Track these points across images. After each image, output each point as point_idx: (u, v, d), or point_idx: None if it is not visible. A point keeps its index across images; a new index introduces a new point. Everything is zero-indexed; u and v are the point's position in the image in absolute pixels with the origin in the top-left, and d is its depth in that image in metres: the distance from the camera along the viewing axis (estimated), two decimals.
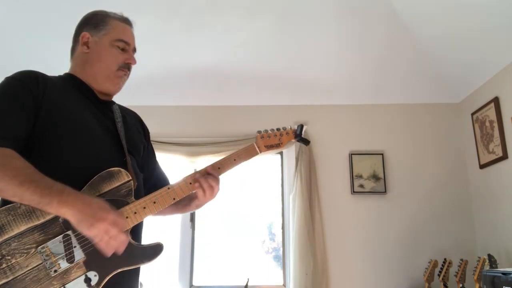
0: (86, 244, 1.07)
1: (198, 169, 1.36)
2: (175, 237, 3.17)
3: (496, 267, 2.35)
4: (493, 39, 2.48)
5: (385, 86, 3.22)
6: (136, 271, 1.22)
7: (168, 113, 3.34)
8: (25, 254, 1.01)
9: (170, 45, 2.85)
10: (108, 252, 1.05)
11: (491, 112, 2.80)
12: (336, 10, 2.61)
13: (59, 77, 1.28)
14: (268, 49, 2.92)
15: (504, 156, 2.65)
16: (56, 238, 1.04)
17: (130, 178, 1.16)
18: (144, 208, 1.16)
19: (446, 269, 2.65)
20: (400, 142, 3.26)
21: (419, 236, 3.06)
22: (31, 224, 1.03)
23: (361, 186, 3.16)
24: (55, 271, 1.03)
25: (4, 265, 0.99)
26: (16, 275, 1.00)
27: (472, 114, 3.06)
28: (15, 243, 1.01)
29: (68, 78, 1.28)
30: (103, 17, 1.32)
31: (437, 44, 2.78)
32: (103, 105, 1.31)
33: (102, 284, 1.07)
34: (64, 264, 1.04)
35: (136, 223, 1.15)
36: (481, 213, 3.00)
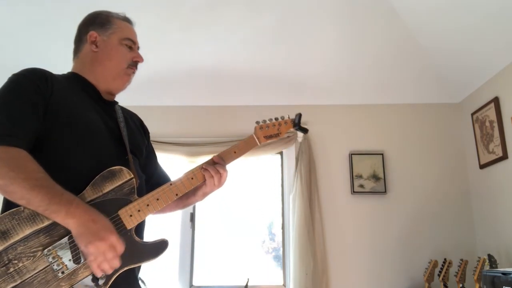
0: None
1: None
2: (175, 237, 3.17)
3: (496, 267, 2.35)
4: (493, 39, 2.48)
5: (385, 86, 3.22)
6: (138, 268, 1.25)
7: (168, 113, 3.34)
8: (32, 257, 1.02)
9: (170, 45, 2.85)
10: (97, 272, 1.05)
11: (491, 112, 2.80)
12: (336, 10, 2.62)
13: (63, 76, 1.28)
14: (268, 49, 2.92)
15: (504, 156, 2.65)
16: (62, 240, 1.05)
17: (132, 176, 1.16)
18: (148, 205, 1.17)
19: (446, 269, 2.65)
20: (400, 142, 3.26)
21: (419, 236, 3.06)
22: (36, 228, 1.03)
23: (361, 186, 3.16)
24: (63, 272, 1.04)
25: (11, 269, 1.00)
26: (24, 278, 1.00)
27: (472, 114, 3.06)
28: (21, 247, 1.01)
29: (73, 77, 1.28)
30: (108, 17, 1.34)
31: (437, 44, 2.78)
32: (107, 105, 1.32)
33: (110, 283, 1.08)
34: (71, 265, 1.05)
35: (140, 220, 1.16)
36: (481, 213, 3.00)
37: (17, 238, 1.01)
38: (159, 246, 1.17)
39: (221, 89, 3.25)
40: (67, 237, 1.05)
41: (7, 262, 1.00)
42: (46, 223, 1.03)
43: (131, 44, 1.34)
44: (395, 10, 2.59)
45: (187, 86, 3.21)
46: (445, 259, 2.72)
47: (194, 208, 3.28)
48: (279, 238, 3.28)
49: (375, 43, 2.85)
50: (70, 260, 1.05)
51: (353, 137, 3.28)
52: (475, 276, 2.40)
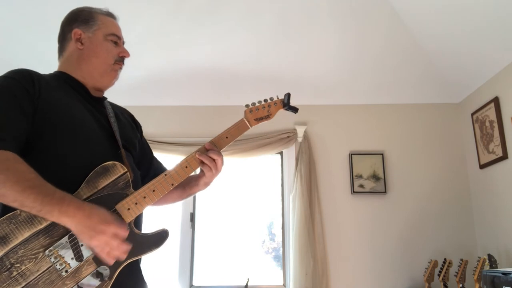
0: None
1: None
2: (175, 237, 3.17)
3: (496, 267, 2.35)
4: (493, 39, 2.48)
5: (385, 86, 3.22)
6: (139, 260, 1.25)
7: (168, 113, 3.34)
8: (34, 259, 1.02)
9: (170, 45, 2.85)
10: (110, 261, 1.06)
11: (491, 112, 2.80)
12: (336, 10, 2.62)
13: (50, 75, 1.27)
14: (268, 49, 2.92)
15: (504, 156, 2.65)
16: (62, 239, 1.05)
17: (126, 170, 1.16)
18: (144, 197, 1.17)
19: (446, 269, 2.65)
20: (400, 142, 3.26)
21: (419, 236, 3.06)
22: (34, 229, 1.03)
23: (361, 186, 3.16)
24: (66, 271, 1.05)
25: (15, 273, 1.00)
26: (29, 280, 1.01)
27: (472, 114, 3.07)
28: (22, 250, 1.01)
29: (60, 76, 1.27)
30: (91, 13, 1.31)
31: (437, 44, 2.78)
32: (96, 101, 1.30)
33: (114, 276, 1.09)
34: (73, 263, 1.06)
35: (138, 213, 1.17)
36: (481, 213, 3.00)
37: (16, 241, 1.01)
38: (160, 236, 1.18)
39: (221, 89, 3.25)
40: (67, 236, 1.05)
41: (9, 266, 1.00)
42: (45, 224, 1.04)
43: (116, 40, 1.31)
44: (396, 10, 2.59)
45: (187, 86, 3.21)
46: (445, 259, 2.72)
47: (194, 208, 3.28)
48: (279, 238, 3.28)
49: (375, 43, 2.85)
50: (72, 258, 1.05)
51: (353, 137, 3.28)
52: (475, 276, 2.40)
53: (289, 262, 3.04)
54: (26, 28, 2.66)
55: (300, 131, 3.24)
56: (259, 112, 1.38)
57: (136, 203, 1.16)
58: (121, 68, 1.33)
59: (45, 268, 1.03)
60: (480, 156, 2.96)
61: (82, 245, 1.07)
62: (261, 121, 1.38)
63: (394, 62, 2.98)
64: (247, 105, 1.39)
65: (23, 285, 1.00)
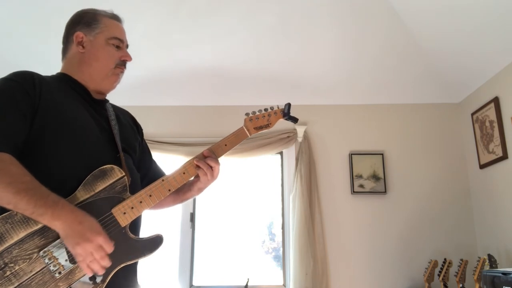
0: None
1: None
2: (175, 237, 3.17)
3: (496, 267, 2.35)
4: (493, 39, 2.48)
5: (385, 86, 3.22)
6: (134, 267, 1.25)
7: (168, 113, 3.34)
8: (28, 260, 1.02)
9: (170, 45, 2.85)
10: (88, 272, 1.05)
11: (491, 112, 2.80)
12: (336, 10, 2.62)
13: (53, 77, 1.27)
14: (268, 49, 2.92)
15: (504, 156, 2.65)
16: (57, 240, 1.05)
17: (124, 174, 1.16)
18: (141, 202, 1.17)
19: (446, 269, 2.65)
20: (400, 142, 3.26)
21: (419, 236, 3.06)
22: (30, 230, 1.03)
23: (361, 186, 3.16)
24: (60, 273, 1.05)
25: (8, 273, 1.00)
26: (22, 281, 1.01)
27: (472, 114, 3.06)
28: (17, 250, 1.02)
29: (62, 78, 1.27)
30: (95, 15, 1.31)
31: (437, 44, 2.78)
32: (97, 104, 1.31)
33: (107, 280, 1.09)
34: (67, 265, 1.05)
35: (134, 217, 1.16)
36: (481, 213, 3.00)
37: (11, 241, 1.02)
38: (154, 242, 1.17)
39: (221, 89, 3.25)
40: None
41: (3, 265, 1.00)
42: (40, 225, 1.04)
43: (119, 43, 1.31)
44: (396, 10, 2.59)
45: (187, 86, 3.21)
46: (445, 259, 2.72)
47: (194, 208, 3.28)
48: (279, 238, 3.27)
49: (375, 43, 2.85)
50: (66, 260, 1.05)
51: (353, 137, 3.28)
52: (475, 276, 2.40)
53: (289, 262, 3.04)
54: (26, 29, 2.66)
55: (300, 131, 3.24)
56: (259, 121, 1.39)
57: (132, 208, 1.15)
58: (122, 72, 1.32)
59: (38, 269, 1.03)
60: (480, 156, 2.96)
61: None
62: (260, 130, 1.39)
63: (394, 62, 2.98)
64: (247, 114, 1.39)
65: (16, 285, 1.01)
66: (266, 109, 1.39)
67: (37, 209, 1.00)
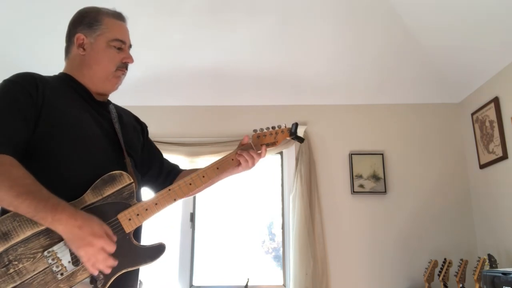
0: None
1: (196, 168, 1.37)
2: (175, 237, 3.17)
3: (496, 267, 2.35)
4: (493, 39, 2.48)
5: (385, 86, 3.22)
6: (136, 270, 1.25)
7: (168, 113, 3.34)
8: (32, 259, 1.03)
9: (170, 45, 2.85)
10: (94, 272, 1.06)
11: (491, 112, 2.80)
12: (336, 10, 2.62)
13: (55, 77, 1.26)
14: (268, 49, 2.92)
15: (504, 156, 2.65)
16: (62, 241, 1.05)
17: (132, 181, 1.18)
18: (146, 209, 1.18)
19: (446, 269, 2.65)
20: (400, 142, 3.26)
21: (419, 236, 3.06)
22: (36, 229, 1.04)
23: (361, 186, 3.16)
24: (62, 274, 1.05)
25: (11, 270, 1.01)
26: (24, 279, 1.02)
27: (472, 114, 3.06)
28: (22, 248, 1.02)
29: (64, 79, 1.27)
30: (96, 15, 1.28)
31: (437, 44, 2.78)
32: (100, 106, 1.30)
33: (108, 285, 1.09)
34: (70, 267, 1.06)
35: (138, 224, 1.17)
36: (481, 213, 3.00)
37: (18, 239, 1.02)
38: (157, 250, 1.18)
39: (221, 89, 3.25)
40: None
41: (7, 263, 1.01)
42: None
43: (120, 45, 1.29)
44: (395, 10, 2.59)
45: (187, 86, 3.21)
46: (445, 259, 2.72)
47: (194, 208, 3.28)
48: (279, 238, 3.27)
49: (375, 43, 2.85)
50: (69, 262, 1.06)
51: (353, 137, 3.28)
52: (475, 276, 2.40)
53: (289, 262, 3.04)
54: (26, 28, 2.65)
55: (300, 131, 3.23)
56: (266, 138, 1.40)
57: (137, 214, 1.17)
58: (124, 74, 1.31)
59: (41, 269, 1.03)
60: (480, 156, 2.96)
61: None
62: (267, 147, 1.40)
63: (394, 62, 2.98)
64: (255, 130, 1.41)
65: (18, 283, 1.01)
66: (273, 127, 1.40)
67: (38, 212, 1.00)
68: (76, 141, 1.15)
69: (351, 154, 3.22)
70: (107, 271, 1.07)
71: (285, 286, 3.11)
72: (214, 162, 1.33)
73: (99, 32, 1.26)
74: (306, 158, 3.14)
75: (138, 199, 1.21)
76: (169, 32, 2.75)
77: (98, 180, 1.13)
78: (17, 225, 1.03)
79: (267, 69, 3.07)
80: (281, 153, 3.37)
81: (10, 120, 1.07)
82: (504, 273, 1.97)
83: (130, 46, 1.34)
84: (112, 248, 1.07)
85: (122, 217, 1.15)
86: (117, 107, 1.38)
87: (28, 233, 1.03)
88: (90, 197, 1.12)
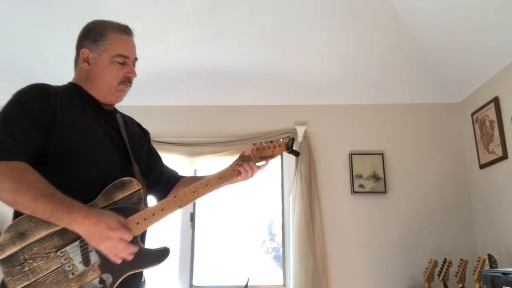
0: None
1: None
2: (175, 237, 3.17)
3: (496, 267, 2.34)
4: (493, 39, 2.48)
5: (385, 86, 3.22)
6: (141, 271, 1.31)
7: (168, 113, 3.34)
8: (46, 258, 1.09)
9: (170, 45, 2.85)
10: (117, 261, 1.14)
11: (491, 112, 2.80)
12: (336, 10, 2.61)
13: (65, 87, 1.32)
14: (268, 49, 2.91)
15: (504, 156, 2.65)
16: (74, 243, 1.12)
17: (140, 187, 1.25)
18: (153, 214, 1.25)
19: (446, 269, 2.65)
20: (400, 142, 3.26)
21: (419, 236, 3.06)
22: (50, 230, 1.10)
23: (361, 186, 3.16)
24: (73, 273, 1.11)
25: (26, 268, 1.07)
26: (38, 277, 1.08)
27: (472, 114, 3.06)
28: (36, 248, 1.09)
29: (74, 89, 1.33)
30: (102, 30, 1.33)
31: (437, 44, 2.78)
32: (108, 115, 1.37)
33: (115, 285, 1.15)
34: (81, 267, 1.12)
35: (146, 228, 1.24)
36: (481, 213, 3.00)
37: (33, 239, 1.09)
38: (162, 253, 1.24)
39: (221, 89, 3.25)
40: (78, 240, 1.12)
41: (22, 261, 1.07)
42: (61, 226, 1.11)
43: (124, 60, 1.33)
44: (395, 10, 2.59)
45: (187, 86, 3.21)
46: (445, 259, 2.72)
47: (194, 208, 3.28)
48: (279, 238, 3.28)
49: (375, 43, 2.85)
50: (80, 262, 1.12)
51: (353, 137, 3.28)
52: (475, 276, 2.39)
53: (289, 262, 3.04)
54: (26, 28, 2.65)
55: (300, 131, 3.23)
56: (265, 151, 1.49)
57: (145, 219, 1.22)
58: (127, 87, 1.36)
59: (54, 268, 1.09)
60: (480, 156, 2.96)
61: (91, 251, 1.14)
62: (265, 160, 1.49)
63: (394, 62, 2.98)
64: (254, 144, 1.50)
65: (32, 281, 1.07)
66: (271, 141, 1.50)
67: (54, 214, 1.06)
68: (87, 149, 1.22)
69: (351, 154, 3.22)
70: (130, 257, 1.14)
71: (285, 286, 3.11)
72: (217, 172, 1.41)
73: (103, 48, 1.31)
74: (306, 158, 3.14)
75: (146, 205, 1.28)
76: (168, 32, 2.75)
77: (109, 186, 1.20)
78: (33, 226, 1.09)
79: (267, 69, 3.07)
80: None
81: (24, 130, 1.14)
82: (504, 273, 1.97)
83: (135, 59, 1.39)
84: (129, 236, 1.13)
85: (131, 221, 1.20)
86: (123, 115, 1.44)
87: (43, 233, 1.09)
88: (101, 201, 1.18)
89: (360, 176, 3.18)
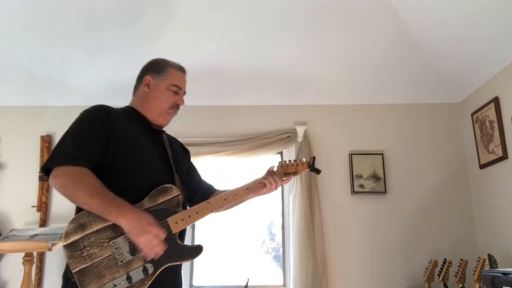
0: None
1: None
2: None
3: (496, 267, 2.34)
4: (493, 39, 2.48)
5: (385, 86, 3.22)
6: (180, 266, 1.55)
7: None
8: (100, 246, 1.32)
9: (170, 46, 2.85)
10: (150, 255, 1.33)
11: (491, 112, 2.80)
12: (336, 10, 2.61)
13: (123, 109, 1.59)
14: (268, 49, 2.91)
15: (504, 156, 2.65)
16: (123, 235, 1.33)
17: (179, 193, 1.47)
18: (189, 216, 1.47)
19: (446, 269, 2.65)
20: (400, 142, 3.26)
21: (419, 236, 3.06)
22: (105, 224, 1.33)
23: (361, 186, 3.16)
24: (121, 261, 1.33)
25: (85, 253, 1.30)
26: (93, 261, 1.30)
27: (472, 114, 3.06)
28: (93, 238, 1.32)
29: (130, 111, 1.59)
30: (164, 65, 1.65)
31: (437, 44, 2.78)
32: (156, 134, 1.62)
33: (156, 274, 1.35)
34: (128, 256, 1.33)
35: (182, 227, 1.45)
36: (481, 213, 3.00)
37: (91, 230, 1.32)
38: (196, 250, 1.48)
39: (221, 89, 3.25)
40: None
41: (82, 247, 1.30)
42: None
43: (177, 90, 1.64)
44: (395, 10, 2.59)
45: (187, 86, 3.20)
46: (445, 259, 2.72)
47: None
48: (279, 238, 3.28)
49: (375, 43, 2.85)
50: (128, 252, 1.33)
51: (353, 137, 3.28)
52: (475, 276, 2.40)
53: (289, 262, 3.04)
54: (26, 30, 2.65)
55: (300, 131, 3.24)
56: (288, 168, 1.71)
57: (182, 219, 1.44)
58: (175, 112, 1.66)
59: (107, 255, 1.32)
60: (480, 156, 2.96)
61: None
62: (289, 176, 1.71)
63: (394, 62, 2.98)
64: (279, 162, 1.71)
65: (89, 264, 1.29)
66: (295, 160, 1.73)
67: (106, 208, 1.29)
68: (138, 160, 1.45)
69: (351, 154, 3.22)
70: (161, 253, 1.34)
71: (285, 286, 3.11)
72: (245, 184, 1.65)
73: (163, 77, 1.62)
74: (306, 158, 3.13)
75: (184, 208, 1.49)
76: (168, 33, 2.75)
77: (153, 191, 1.43)
78: (91, 219, 1.32)
79: (267, 69, 3.07)
80: (281, 153, 3.37)
81: (87, 142, 1.39)
82: (504, 273, 1.97)
83: (184, 93, 1.70)
84: (163, 234, 1.34)
85: (170, 220, 1.42)
86: (168, 136, 1.71)
87: (99, 226, 1.32)
88: (147, 203, 1.41)
89: (360, 176, 3.18)
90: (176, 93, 1.64)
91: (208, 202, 1.53)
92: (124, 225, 1.30)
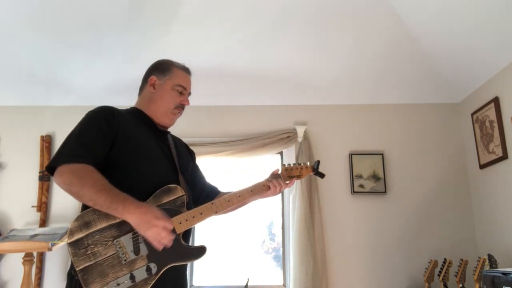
0: None
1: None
2: None
3: (496, 267, 2.34)
4: (493, 39, 2.48)
5: (385, 86, 3.22)
6: (184, 267, 1.52)
7: None
8: (105, 245, 1.32)
9: (170, 46, 2.85)
10: (159, 247, 1.34)
11: (491, 112, 2.80)
12: (336, 10, 2.61)
13: (128, 110, 1.61)
14: (268, 49, 2.91)
15: (504, 156, 2.65)
16: (127, 234, 1.34)
17: (184, 193, 1.47)
18: (193, 217, 1.46)
19: (446, 269, 2.65)
20: (400, 142, 3.26)
21: (419, 236, 3.06)
22: (110, 222, 1.33)
23: (361, 186, 3.16)
24: (125, 260, 1.32)
25: (89, 251, 1.30)
26: (97, 260, 1.30)
27: (472, 114, 3.06)
28: (98, 236, 1.32)
29: (135, 112, 1.60)
30: (169, 66, 1.66)
31: (437, 44, 2.78)
32: (161, 134, 1.63)
33: (159, 274, 1.35)
34: (132, 255, 1.33)
35: (187, 228, 1.44)
36: (481, 213, 3.00)
37: (95, 228, 1.32)
38: (199, 251, 1.47)
39: (221, 89, 3.25)
40: (131, 233, 1.34)
41: (86, 245, 1.30)
42: (118, 220, 1.33)
43: (182, 90, 1.63)
44: (395, 10, 2.59)
45: None
46: (445, 259, 2.72)
47: None
48: (279, 238, 3.28)
49: (375, 43, 2.85)
50: (132, 251, 1.33)
51: (353, 137, 3.28)
52: (475, 276, 2.40)
53: (289, 262, 3.04)
54: (26, 30, 2.65)
55: (300, 131, 3.24)
56: (293, 171, 1.70)
57: (186, 220, 1.44)
58: (180, 113, 1.65)
59: (110, 253, 1.32)
60: (480, 156, 2.96)
61: (140, 242, 1.34)
62: (293, 179, 1.70)
63: (394, 62, 2.98)
64: (284, 165, 1.71)
65: (92, 262, 1.29)
66: (299, 164, 1.72)
67: (112, 204, 1.29)
68: (143, 160, 1.46)
69: (351, 154, 3.22)
70: (170, 244, 1.35)
71: (285, 286, 3.11)
72: (249, 186, 1.65)
73: (168, 77, 1.62)
74: (306, 158, 3.14)
75: (188, 209, 1.48)
76: (168, 33, 2.75)
77: (158, 190, 1.43)
78: (96, 217, 1.33)
79: (267, 70, 3.07)
80: (281, 153, 3.37)
81: (92, 140, 1.40)
82: (504, 273, 1.97)
83: (189, 93, 1.70)
84: (170, 225, 1.35)
85: (174, 220, 1.40)
86: (173, 136, 1.71)
87: (104, 224, 1.33)
88: (151, 202, 1.40)
89: (360, 176, 3.18)
90: (181, 93, 1.64)
91: (212, 203, 1.52)
92: (131, 220, 1.30)
